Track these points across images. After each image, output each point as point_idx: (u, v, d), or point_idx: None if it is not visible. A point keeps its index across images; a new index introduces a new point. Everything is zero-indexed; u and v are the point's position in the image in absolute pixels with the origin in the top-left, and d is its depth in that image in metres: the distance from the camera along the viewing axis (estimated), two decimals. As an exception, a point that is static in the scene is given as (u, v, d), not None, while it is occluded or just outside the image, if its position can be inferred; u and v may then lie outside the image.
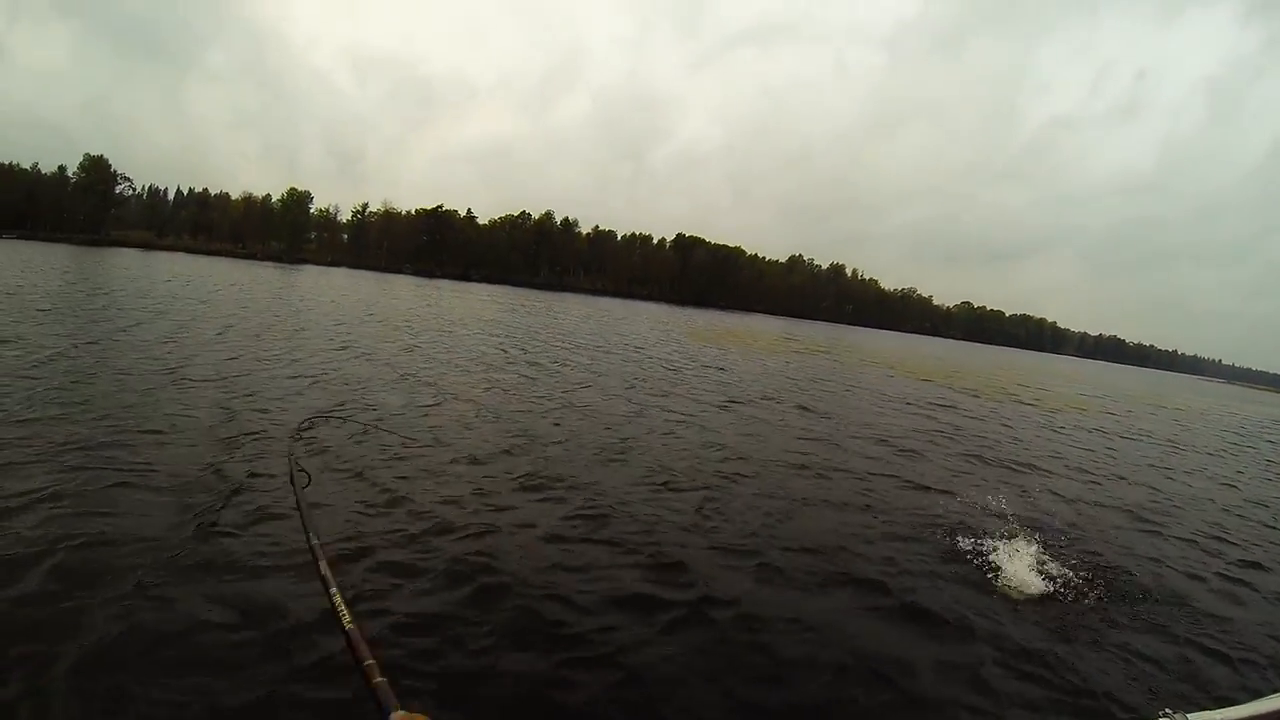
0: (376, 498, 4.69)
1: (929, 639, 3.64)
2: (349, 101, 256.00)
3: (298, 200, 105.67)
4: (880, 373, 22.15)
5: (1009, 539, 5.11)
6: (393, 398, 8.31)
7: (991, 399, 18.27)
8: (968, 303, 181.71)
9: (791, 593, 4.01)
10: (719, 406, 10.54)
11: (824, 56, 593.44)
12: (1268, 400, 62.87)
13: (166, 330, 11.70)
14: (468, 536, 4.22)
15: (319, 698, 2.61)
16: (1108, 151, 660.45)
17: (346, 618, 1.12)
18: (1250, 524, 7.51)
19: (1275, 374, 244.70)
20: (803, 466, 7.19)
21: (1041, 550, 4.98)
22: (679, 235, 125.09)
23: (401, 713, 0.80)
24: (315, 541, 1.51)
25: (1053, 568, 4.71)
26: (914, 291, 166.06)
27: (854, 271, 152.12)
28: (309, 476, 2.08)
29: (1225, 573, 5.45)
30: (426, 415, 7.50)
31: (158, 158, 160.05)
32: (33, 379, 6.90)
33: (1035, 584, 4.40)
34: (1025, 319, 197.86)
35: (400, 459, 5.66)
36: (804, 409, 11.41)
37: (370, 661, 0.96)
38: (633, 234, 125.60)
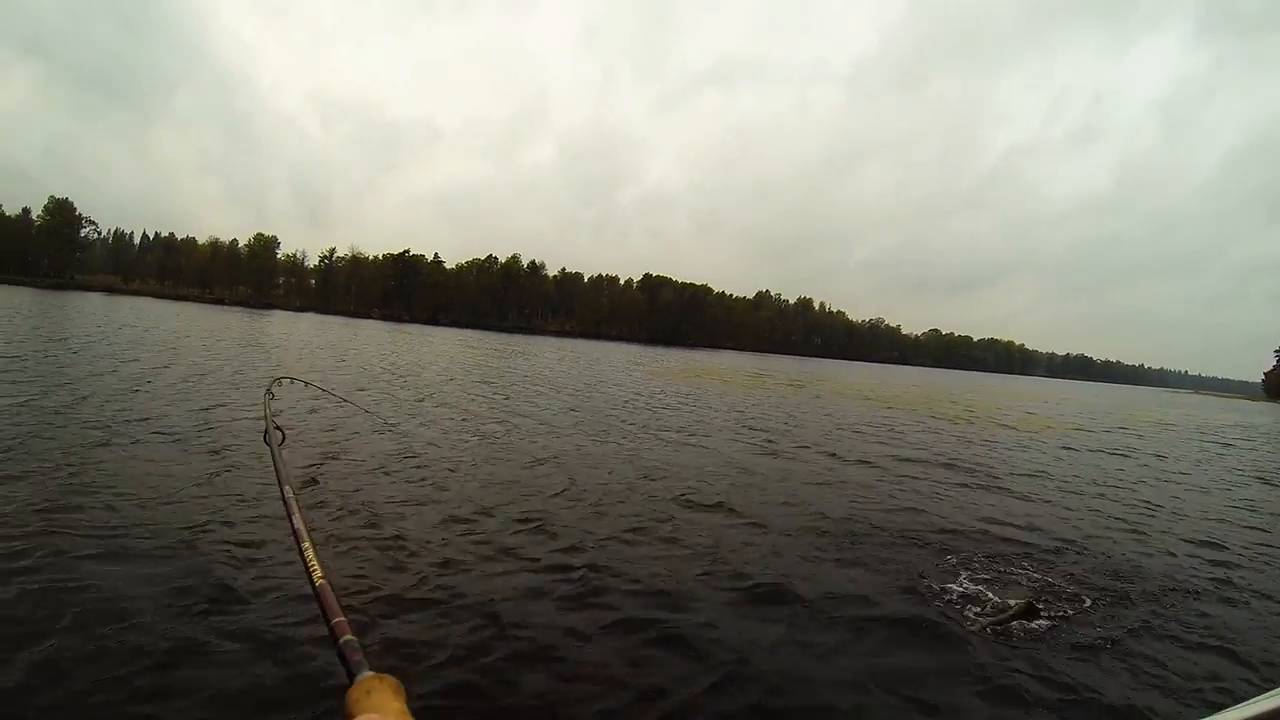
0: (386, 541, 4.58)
1: (929, 652, 3.71)
2: (316, 145, 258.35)
3: (265, 245, 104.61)
4: (868, 407, 22.59)
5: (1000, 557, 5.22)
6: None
7: (982, 424, 18.78)
8: (935, 330, 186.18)
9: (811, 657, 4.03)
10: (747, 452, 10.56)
11: (787, 95, 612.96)
12: (1236, 407, 65.45)
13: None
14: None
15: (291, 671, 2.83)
16: (1067, 175, 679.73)
17: (318, 573, 1.05)
18: (1239, 528, 7.79)
19: (1238, 381, 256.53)
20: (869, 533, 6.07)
21: (1039, 562, 5.11)
22: (646, 275, 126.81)
23: (370, 673, 0.74)
24: (290, 494, 1.42)
25: (1053, 579, 4.84)
26: (882, 322, 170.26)
27: (822, 305, 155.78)
28: (283, 434, 2.01)
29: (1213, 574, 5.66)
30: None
31: (124, 201, 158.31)
32: None
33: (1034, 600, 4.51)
34: (993, 343, 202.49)
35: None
36: (834, 455, 10.70)
37: (340, 619, 0.89)
38: (600, 275, 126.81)
